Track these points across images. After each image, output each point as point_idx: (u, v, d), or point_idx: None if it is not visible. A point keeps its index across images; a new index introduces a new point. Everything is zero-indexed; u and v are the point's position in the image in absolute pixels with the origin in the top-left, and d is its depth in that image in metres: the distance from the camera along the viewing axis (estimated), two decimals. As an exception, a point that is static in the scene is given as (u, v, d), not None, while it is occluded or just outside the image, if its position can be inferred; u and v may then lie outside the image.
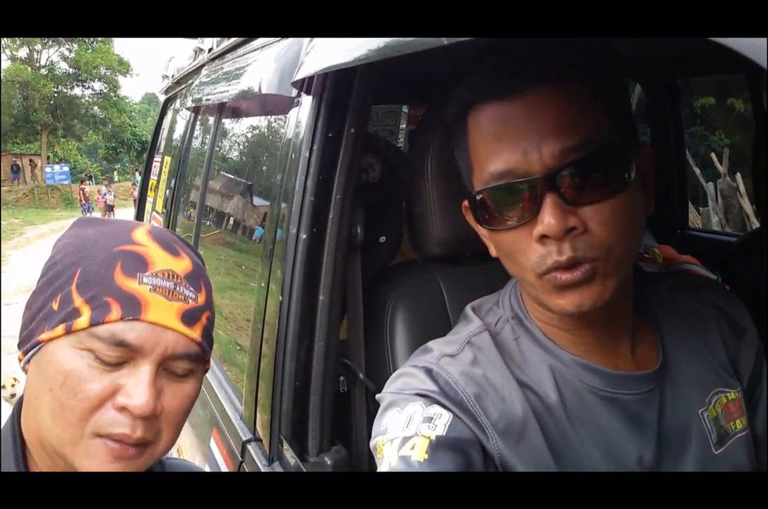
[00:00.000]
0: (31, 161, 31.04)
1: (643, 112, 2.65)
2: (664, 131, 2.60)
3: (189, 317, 0.74)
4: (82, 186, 24.80)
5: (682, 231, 2.65)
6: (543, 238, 0.73)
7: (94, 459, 0.71)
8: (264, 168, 1.66)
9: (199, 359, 0.77)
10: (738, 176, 7.09)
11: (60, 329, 0.71)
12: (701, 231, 3.07)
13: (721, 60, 1.95)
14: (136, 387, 0.70)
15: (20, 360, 0.77)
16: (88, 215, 23.18)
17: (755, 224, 6.17)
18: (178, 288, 0.74)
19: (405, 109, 2.95)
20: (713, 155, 7.70)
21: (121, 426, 0.70)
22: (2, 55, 30.64)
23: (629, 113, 0.82)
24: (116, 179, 33.24)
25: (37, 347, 0.74)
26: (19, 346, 0.77)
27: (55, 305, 0.73)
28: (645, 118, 2.64)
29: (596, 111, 0.74)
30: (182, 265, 0.76)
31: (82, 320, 0.71)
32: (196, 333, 0.75)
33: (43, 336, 0.72)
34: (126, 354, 0.71)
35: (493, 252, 0.85)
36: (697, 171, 7.30)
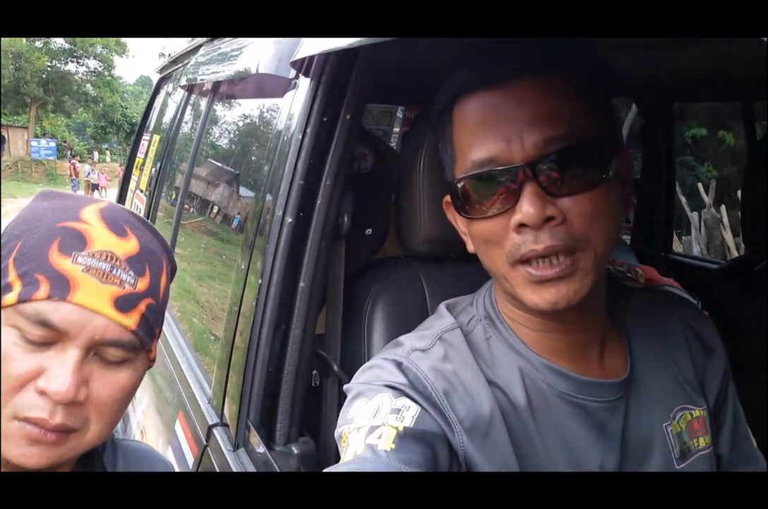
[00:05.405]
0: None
1: (637, 134, 2.67)
2: (656, 154, 2.62)
3: (123, 303, 0.70)
4: (73, 161, 24.48)
5: (665, 255, 2.67)
6: (521, 227, 0.73)
7: (11, 442, 0.67)
8: (253, 158, 1.63)
9: (135, 348, 0.73)
10: (723, 208, 7.17)
11: None
12: (684, 256, 3.09)
13: (719, 87, 1.96)
14: (59, 370, 0.67)
15: None
16: (76, 192, 23.00)
17: (735, 256, 6.23)
18: (114, 271, 0.70)
19: (399, 113, 2.95)
20: (700, 186, 7.78)
21: (39, 410, 0.67)
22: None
23: (611, 115, 0.82)
24: (97, 158, 32.83)
25: None
26: None
27: None
28: (639, 140, 2.66)
29: (578, 107, 0.75)
30: (126, 247, 0.72)
31: (11, 297, 0.67)
32: (130, 321, 0.71)
33: None
34: (51, 336, 0.68)
35: (470, 248, 0.85)
36: (683, 199, 7.37)
